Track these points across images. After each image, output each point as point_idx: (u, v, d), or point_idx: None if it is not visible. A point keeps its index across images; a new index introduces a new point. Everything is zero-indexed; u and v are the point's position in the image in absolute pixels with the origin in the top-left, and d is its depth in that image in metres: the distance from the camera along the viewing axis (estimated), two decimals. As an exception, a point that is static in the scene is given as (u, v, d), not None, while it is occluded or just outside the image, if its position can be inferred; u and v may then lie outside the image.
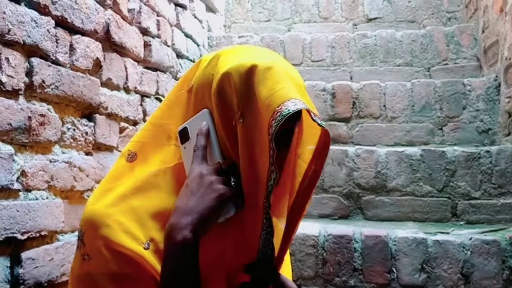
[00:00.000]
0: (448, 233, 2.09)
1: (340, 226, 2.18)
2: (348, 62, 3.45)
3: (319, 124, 0.80)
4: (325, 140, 0.88)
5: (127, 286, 0.78)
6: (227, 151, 0.83)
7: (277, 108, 0.75)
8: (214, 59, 0.86)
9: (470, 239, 1.95)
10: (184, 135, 0.86)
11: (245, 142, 0.79)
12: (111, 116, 1.94)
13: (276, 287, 0.87)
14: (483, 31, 3.09)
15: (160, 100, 2.46)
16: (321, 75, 3.40)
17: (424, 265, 1.94)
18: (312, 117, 0.79)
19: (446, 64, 3.29)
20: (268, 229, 0.80)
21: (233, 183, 0.80)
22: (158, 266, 0.79)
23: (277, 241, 0.92)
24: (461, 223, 2.33)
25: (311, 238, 2.02)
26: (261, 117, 0.77)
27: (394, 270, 1.96)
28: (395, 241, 1.98)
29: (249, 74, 0.79)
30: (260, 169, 0.78)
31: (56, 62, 1.56)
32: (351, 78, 3.37)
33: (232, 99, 0.80)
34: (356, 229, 2.08)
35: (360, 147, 2.53)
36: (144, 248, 0.79)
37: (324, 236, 2.04)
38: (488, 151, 2.38)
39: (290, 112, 0.75)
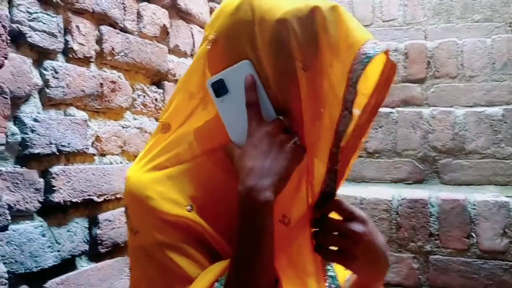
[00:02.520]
0: (533, 196, 1.97)
1: (414, 190, 2.11)
2: (422, 20, 3.27)
3: (391, 61, 0.79)
4: (389, 74, 0.83)
5: (178, 252, 0.77)
6: (278, 104, 0.78)
7: (360, 50, 0.72)
8: (245, 4, 0.79)
9: (558, 202, 1.83)
10: (219, 88, 0.80)
11: (310, 91, 0.74)
12: (180, 83, 1.96)
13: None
14: None
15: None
16: (393, 35, 3.26)
17: (506, 230, 1.84)
18: (389, 56, 0.78)
19: (531, 17, 3.06)
20: (331, 174, 0.78)
21: (297, 140, 0.76)
22: (205, 224, 0.78)
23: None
24: (548, 186, 2.19)
25: (383, 203, 1.97)
26: (330, 61, 0.73)
27: (474, 235, 1.87)
28: (474, 205, 1.89)
29: (313, 17, 0.73)
30: (326, 116, 0.75)
31: (124, 30, 1.59)
32: (425, 37, 3.21)
33: (292, 48, 0.74)
34: (432, 193, 2.00)
35: (435, 108, 2.42)
36: (188, 211, 0.78)
37: (398, 200, 1.98)
38: None
39: (377, 53, 0.72)
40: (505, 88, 2.63)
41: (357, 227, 0.80)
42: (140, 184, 0.80)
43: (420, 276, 1.93)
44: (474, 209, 1.88)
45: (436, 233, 1.92)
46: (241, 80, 0.78)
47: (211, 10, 2.31)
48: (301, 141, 0.77)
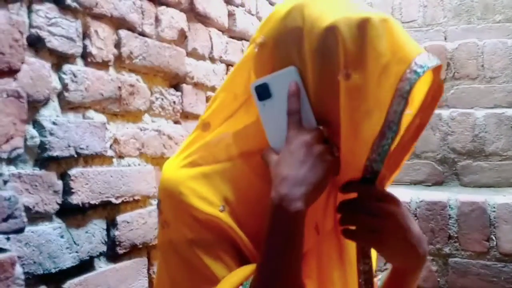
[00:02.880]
0: (555, 199, 1.93)
1: (433, 192, 2.09)
2: (442, 21, 3.25)
3: (439, 80, 0.78)
4: (435, 95, 0.82)
5: (206, 250, 0.78)
6: (319, 114, 0.78)
7: (414, 60, 0.70)
8: (295, 10, 0.79)
9: None
10: (262, 92, 0.80)
11: (350, 101, 0.72)
12: (198, 85, 1.98)
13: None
14: None
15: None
16: (412, 36, 3.16)
17: (526, 233, 1.82)
18: (438, 74, 0.77)
19: (554, 17, 3.01)
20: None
21: (335, 151, 0.75)
22: (235, 227, 0.78)
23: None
24: None
25: (402, 205, 1.95)
26: (374, 73, 0.71)
27: (493, 238, 1.85)
28: (494, 207, 1.86)
29: (363, 27, 0.72)
30: (365, 129, 0.72)
31: (142, 34, 1.61)
32: (445, 39, 3.18)
33: (337, 56, 0.73)
34: (451, 195, 1.98)
35: (455, 110, 2.39)
36: (220, 211, 0.79)
37: (416, 202, 1.97)
38: None
39: (433, 65, 0.71)
40: (527, 89, 2.60)
41: (388, 205, 0.78)
42: (175, 180, 0.81)
43: (439, 279, 1.92)
44: (494, 211, 1.86)
45: (455, 235, 1.90)
46: (285, 86, 0.78)
47: (230, 13, 2.32)
48: (339, 153, 0.76)
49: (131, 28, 1.55)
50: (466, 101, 2.67)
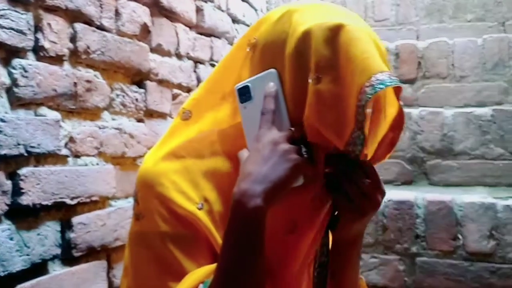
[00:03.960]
0: (521, 198, 1.94)
1: (401, 192, 2.08)
2: (414, 20, 3.25)
3: (400, 106, 0.78)
4: (399, 118, 0.81)
5: (179, 245, 0.78)
6: (295, 117, 0.78)
7: (375, 75, 0.70)
8: (286, 15, 0.80)
9: (546, 204, 1.80)
10: (244, 94, 0.81)
11: (318, 104, 0.73)
12: (163, 82, 1.93)
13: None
14: None
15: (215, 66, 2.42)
16: (385, 35, 3.22)
17: (493, 232, 1.81)
18: (398, 97, 0.76)
19: (523, 17, 3.03)
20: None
21: (304, 153, 0.76)
22: (211, 227, 0.78)
23: None
24: (537, 187, 2.16)
25: (370, 204, 1.93)
26: (344, 79, 0.72)
27: (460, 237, 1.84)
28: (461, 206, 1.86)
29: (335, 33, 0.73)
30: (332, 135, 0.74)
31: (101, 28, 1.55)
32: (417, 37, 3.19)
33: (310, 60, 0.74)
34: (419, 195, 1.97)
35: (424, 109, 2.39)
36: (198, 208, 0.79)
37: (384, 202, 1.95)
38: None
39: (391, 85, 0.70)
40: (496, 89, 2.61)
41: (379, 195, 0.79)
42: (156, 171, 0.81)
43: (406, 279, 1.91)
44: (461, 210, 1.85)
45: (423, 235, 1.89)
46: (264, 89, 0.79)
47: (198, 9, 2.27)
48: (312, 154, 0.77)
49: (88, 21, 1.49)
50: (436, 100, 2.67)
